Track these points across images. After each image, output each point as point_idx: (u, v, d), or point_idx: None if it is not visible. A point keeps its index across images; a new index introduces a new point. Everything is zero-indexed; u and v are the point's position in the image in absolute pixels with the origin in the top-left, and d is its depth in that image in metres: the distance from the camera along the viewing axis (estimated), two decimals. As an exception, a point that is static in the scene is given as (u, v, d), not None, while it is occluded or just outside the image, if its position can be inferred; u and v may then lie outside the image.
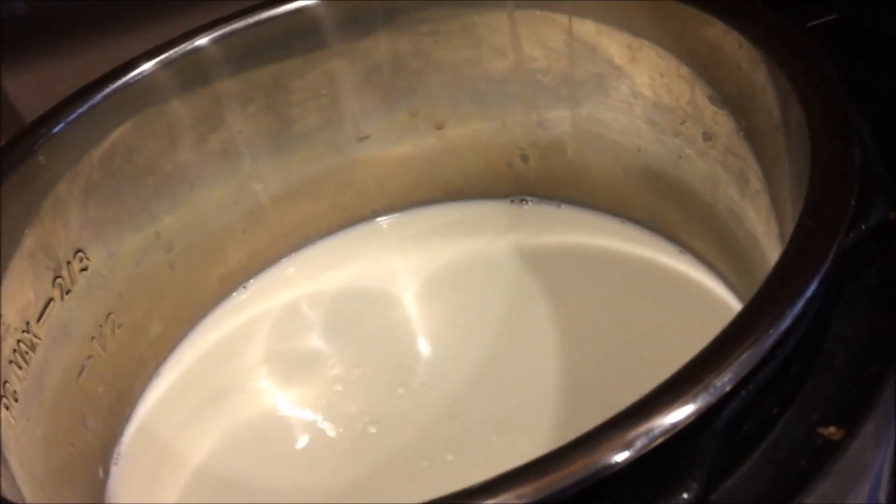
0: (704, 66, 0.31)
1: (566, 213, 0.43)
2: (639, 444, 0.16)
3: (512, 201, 0.44)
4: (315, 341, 0.40)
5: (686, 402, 0.17)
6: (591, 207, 0.42)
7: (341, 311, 0.42)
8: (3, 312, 0.31)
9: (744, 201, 0.32)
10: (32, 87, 0.55)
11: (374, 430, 0.36)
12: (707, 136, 0.33)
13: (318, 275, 0.44)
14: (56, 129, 0.34)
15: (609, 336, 0.37)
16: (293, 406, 0.38)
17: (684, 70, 0.32)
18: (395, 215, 0.46)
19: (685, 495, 0.17)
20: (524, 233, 0.43)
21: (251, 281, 0.44)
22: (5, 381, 0.30)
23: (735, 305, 0.36)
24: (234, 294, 0.43)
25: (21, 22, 0.52)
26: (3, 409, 0.30)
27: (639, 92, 0.35)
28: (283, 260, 0.44)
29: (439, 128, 0.43)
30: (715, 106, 0.32)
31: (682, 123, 0.34)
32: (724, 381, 0.17)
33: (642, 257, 0.39)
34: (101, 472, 0.36)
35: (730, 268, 0.36)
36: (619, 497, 0.17)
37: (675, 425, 0.16)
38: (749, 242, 0.33)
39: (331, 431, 0.36)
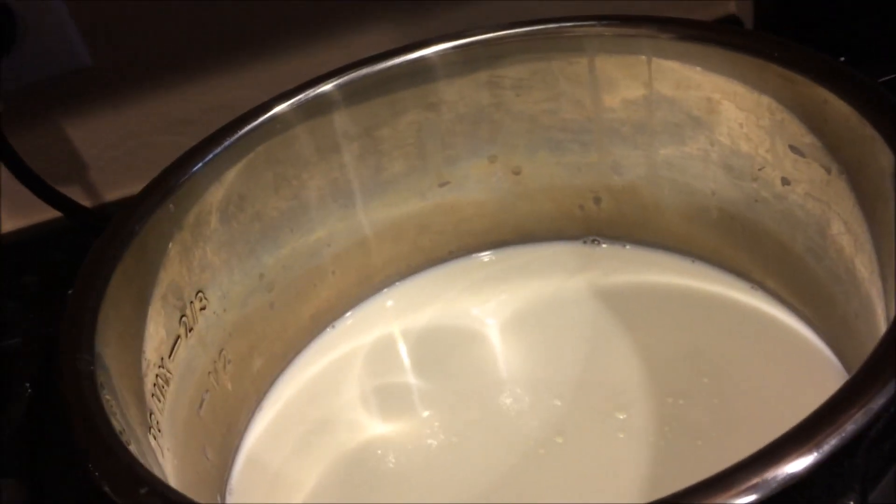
0: (786, 119, 0.34)
1: (636, 253, 0.46)
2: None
3: (584, 242, 0.47)
4: (407, 377, 0.43)
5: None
6: (661, 248, 0.45)
7: (428, 349, 0.44)
8: (144, 349, 0.34)
9: (824, 241, 0.35)
10: (95, 135, 0.58)
11: (467, 456, 0.38)
12: (786, 181, 0.36)
13: (401, 314, 0.46)
14: (183, 179, 0.37)
15: (687, 369, 0.39)
16: (393, 437, 0.40)
17: (765, 122, 0.35)
18: (471, 257, 0.48)
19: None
20: (596, 272, 0.46)
21: (342, 317, 0.46)
22: (150, 412, 0.33)
23: (810, 337, 0.38)
24: (325, 332, 0.46)
25: (86, 73, 0.55)
26: (152, 438, 0.32)
27: (716, 140, 0.39)
28: (369, 299, 0.47)
29: (516, 173, 0.46)
30: (796, 154, 0.35)
31: (759, 170, 0.37)
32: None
33: (715, 294, 0.42)
34: (218, 498, 0.38)
35: (805, 303, 0.38)
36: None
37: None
38: (829, 278, 0.35)
39: (429, 458, 0.39)
